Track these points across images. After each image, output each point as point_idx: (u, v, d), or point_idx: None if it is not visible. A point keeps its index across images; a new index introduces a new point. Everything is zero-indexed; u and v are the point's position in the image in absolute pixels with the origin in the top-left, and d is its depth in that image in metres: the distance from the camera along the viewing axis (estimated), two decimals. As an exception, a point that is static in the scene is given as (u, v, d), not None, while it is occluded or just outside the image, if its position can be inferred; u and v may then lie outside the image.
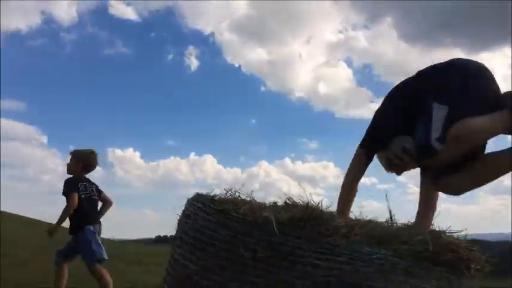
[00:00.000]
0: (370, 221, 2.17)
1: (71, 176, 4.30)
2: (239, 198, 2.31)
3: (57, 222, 4.10)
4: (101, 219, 4.44)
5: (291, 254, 1.97)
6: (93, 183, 4.35)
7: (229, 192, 2.37)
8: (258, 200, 2.37)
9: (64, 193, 4.18)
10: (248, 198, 2.32)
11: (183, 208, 2.51)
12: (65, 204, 4.10)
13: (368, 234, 2.01)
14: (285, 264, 1.97)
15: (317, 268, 1.95)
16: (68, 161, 4.37)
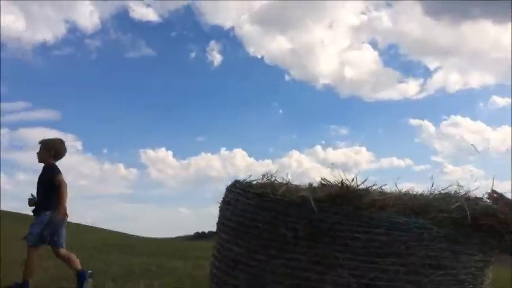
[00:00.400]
0: (405, 194, 2.21)
1: (43, 163, 4.38)
2: (276, 182, 2.39)
3: (63, 205, 4.21)
4: None
5: (330, 230, 2.04)
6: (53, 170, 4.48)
7: (266, 176, 2.45)
8: (293, 183, 2.44)
9: (50, 178, 4.27)
10: (284, 182, 2.40)
11: (222, 196, 2.61)
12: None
13: (405, 205, 2.06)
14: (326, 240, 2.05)
15: (357, 241, 2.01)
16: (38, 150, 4.42)
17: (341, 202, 2.05)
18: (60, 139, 4.54)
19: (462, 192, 2.28)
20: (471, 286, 2.13)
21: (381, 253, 2.00)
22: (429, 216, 2.04)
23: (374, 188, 2.12)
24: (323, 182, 2.46)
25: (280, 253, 2.14)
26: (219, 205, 2.66)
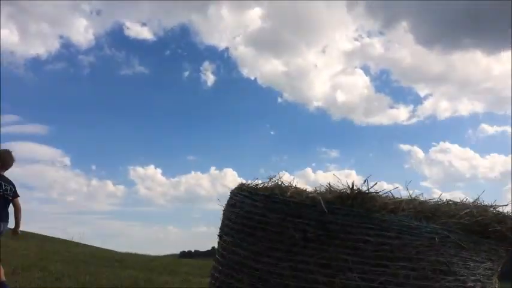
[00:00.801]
0: (415, 199, 2.20)
1: None
2: (282, 184, 2.37)
3: None
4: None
5: (340, 232, 2.01)
6: (11, 183, 4.56)
7: (272, 179, 2.43)
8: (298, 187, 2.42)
9: None
10: (291, 184, 2.38)
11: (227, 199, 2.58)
12: None
13: (415, 209, 2.05)
14: (336, 242, 2.02)
15: (368, 244, 1.99)
16: None
17: (351, 204, 2.03)
18: (7, 150, 4.64)
19: (471, 200, 2.28)
20: (479, 294, 2.10)
21: (391, 257, 1.98)
22: (440, 221, 2.03)
23: (384, 191, 2.11)
24: (329, 186, 2.46)
25: (287, 255, 2.10)
26: (222, 208, 2.62)
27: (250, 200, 2.30)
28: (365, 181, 2.06)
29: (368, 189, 2.06)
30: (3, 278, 4.18)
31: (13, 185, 4.51)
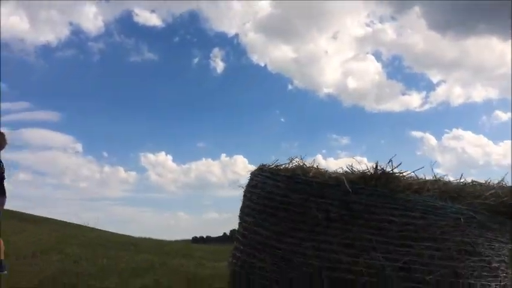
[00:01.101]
0: (439, 179, 2.18)
1: None
2: (304, 165, 2.36)
3: None
4: None
5: (364, 212, 2.01)
6: (1, 162, 4.67)
7: (294, 160, 2.42)
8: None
9: None
10: (312, 165, 2.38)
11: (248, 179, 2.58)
12: None
13: (440, 190, 2.04)
14: (360, 222, 2.01)
15: (392, 224, 1.98)
16: None
17: (375, 184, 2.02)
18: (1, 132, 4.77)
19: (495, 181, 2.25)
20: (504, 274, 2.09)
21: (416, 237, 1.97)
22: (465, 201, 2.01)
23: (408, 172, 2.09)
24: (351, 168, 2.45)
25: (310, 235, 2.10)
26: (243, 190, 2.63)
27: (272, 180, 2.29)
28: (389, 162, 2.04)
29: (392, 170, 2.04)
30: (2, 257, 4.32)
31: (3, 163, 4.72)
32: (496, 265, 2.06)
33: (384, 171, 2.03)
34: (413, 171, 2.15)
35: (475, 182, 2.25)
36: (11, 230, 8.51)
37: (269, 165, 2.46)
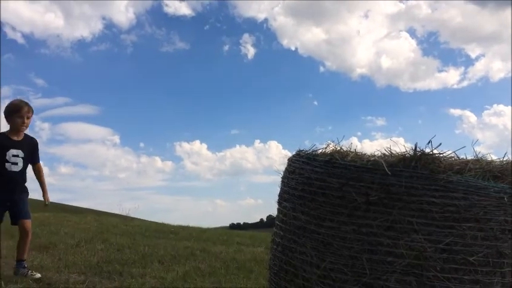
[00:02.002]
0: (481, 159, 2.14)
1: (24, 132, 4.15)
2: (341, 149, 2.36)
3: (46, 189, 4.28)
4: None
5: (404, 194, 2.00)
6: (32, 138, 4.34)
7: (330, 145, 2.43)
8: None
9: (38, 159, 4.23)
10: (350, 149, 2.37)
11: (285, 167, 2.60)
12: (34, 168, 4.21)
13: (483, 169, 2.00)
14: (399, 204, 2.01)
15: (432, 205, 1.97)
16: (30, 114, 4.08)
17: (415, 166, 2.00)
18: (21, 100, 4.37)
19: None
20: (550, 254, 2.05)
21: (458, 218, 1.95)
22: (508, 180, 1.97)
23: (448, 152, 2.07)
24: (388, 151, 2.43)
25: (350, 219, 2.11)
26: (280, 176, 2.66)
27: (310, 166, 2.31)
28: (429, 142, 2.02)
29: (432, 151, 2.02)
30: (25, 256, 4.12)
31: None
32: (542, 244, 2.01)
33: (423, 152, 2.01)
34: (454, 151, 2.11)
35: (518, 160, 2.20)
36: (56, 221, 8.88)
37: (306, 151, 2.47)
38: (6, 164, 3.94)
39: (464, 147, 2.08)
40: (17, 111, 3.99)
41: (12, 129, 4.05)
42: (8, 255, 4.52)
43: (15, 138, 4.04)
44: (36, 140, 4.25)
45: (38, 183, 4.26)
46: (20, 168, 4.02)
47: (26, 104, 4.04)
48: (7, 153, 3.94)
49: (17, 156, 4.01)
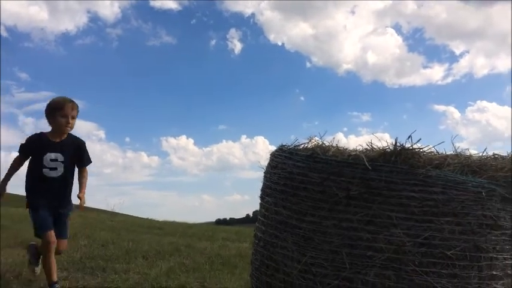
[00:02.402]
0: (460, 154, 2.17)
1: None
2: (323, 144, 2.37)
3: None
4: None
5: (384, 188, 2.01)
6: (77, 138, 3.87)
7: (312, 140, 2.43)
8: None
9: (89, 160, 3.75)
10: (332, 144, 2.38)
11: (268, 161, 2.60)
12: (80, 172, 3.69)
13: (461, 164, 2.02)
14: (379, 199, 2.02)
15: (412, 200, 1.98)
16: (74, 113, 3.61)
17: (395, 161, 2.02)
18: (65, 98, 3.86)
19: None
20: (527, 248, 2.08)
21: (436, 212, 1.97)
22: (486, 175, 2.00)
23: (428, 147, 2.08)
24: (370, 145, 2.45)
25: (331, 214, 2.12)
26: (263, 171, 2.66)
27: (292, 160, 2.31)
28: (409, 137, 2.04)
29: (412, 146, 2.04)
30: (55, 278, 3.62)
31: None
32: (519, 238, 2.05)
33: (403, 147, 2.03)
34: (434, 146, 2.13)
35: (497, 154, 2.23)
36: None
37: (288, 146, 2.47)
38: (43, 169, 3.52)
39: (444, 142, 2.09)
40: (59, 109, 3.54)
41: (54, 131, 3.61)
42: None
43: (55, 140, 3.60)
44: (82, 141, 3.77)
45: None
46: (59, 174, 3.55)
47: (71, 101, 3.62)
48: (44, 157, 3.52)
49: (56, 160, 3.56)
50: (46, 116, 3.59)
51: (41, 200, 3.49)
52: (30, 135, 3.63)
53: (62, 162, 3.57)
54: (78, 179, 3.73)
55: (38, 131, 3.59)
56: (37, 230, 3.50)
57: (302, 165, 2.24)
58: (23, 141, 3.62)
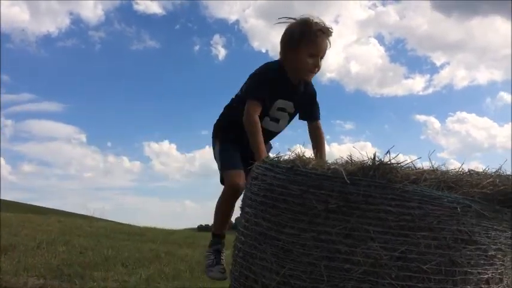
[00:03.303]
0: (437, 169, 2.21)
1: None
2: (304, 157, 2.39)
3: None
4: None
5: (362, 202, 2.04)
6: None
7: (293, 152, 2.45)
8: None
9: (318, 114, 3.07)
10: (312, 156, 2.40)
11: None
12: None
13: (437, 179, 2.06)
14: (357, 213, 2.05)
15: (389, 214, 2.01)
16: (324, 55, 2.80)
17: (373, 175, 2.04)
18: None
19: (493, 170, 2.27)
20: (500, 262, 2.13)
21: (413, 227, 2.00)
22: (462, 190, 2.04)
23: (406, 162, 2.12)
24: (350, 158, 2.48)
25: (310, 226, 2.14)
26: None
27: (272, 172, 2.32)
28: (387, 152, 2.07)
29: (390, 160, 2.07)
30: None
31: None
32: (493, 253, 2.09)
33: (381, 162, 2.06)
34: (412, 162, 2.17)
35: (472, 171, 2.27)
36: (16, 222, 8.63)
37: (269, 157, 2.48)
38: (264, 118, 2.83)
39: (420, 158, 2.13)
40: (310, 43, 2.67)
41: (290, 71, 2.78)
42: None
43: (294, 82, 2.84)
44: (314, 90, 2.97)
45: (313, 151, 2.98)
46: (279, 129, 2.99)
47: (328, 31, 2.67)
48: (274, 103, 2.82)
49: (283, 110, 2.89)
50: (283, 45, 2.77)
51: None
52: (266, 66, 2.79)
53: (288, 114, 2.94)
54: (315, 142, 3.04)
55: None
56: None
57: (282, 177, 2.26)
58: (256, 79, 2.77)
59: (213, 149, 3.13)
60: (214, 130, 3.15)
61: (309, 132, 3.02)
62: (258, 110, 2.65)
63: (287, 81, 2.79)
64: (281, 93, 2.79)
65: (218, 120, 3.15)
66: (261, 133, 2.62)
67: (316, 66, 2.67)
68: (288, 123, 3.00)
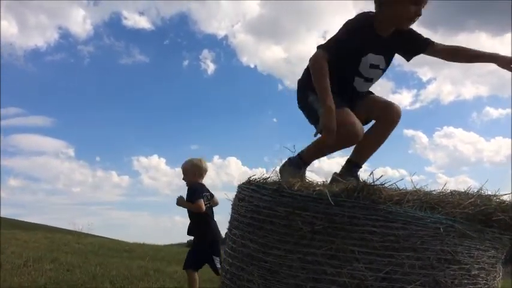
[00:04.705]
0: (420, 190, 2.24)
1: None
2: (290, 178, 2.41)
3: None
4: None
5: (347, 224, 2.07)
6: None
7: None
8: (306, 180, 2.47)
9: None
10: (298, 178, 2.43)
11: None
12: None
13: (420, 200, 2.10)
14: (342, 234, 2.07)
15: (374, 234, 2.04)
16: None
17: (358, 196, 2.07)
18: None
19: (475, 190, 2.32)
20: (484, 281, 2.16)
21: (397, 247, 2.03)
22: (444, 211, 2.08)
23: (389, 183, 2.16)
24: (336, 177, 2.52)
25: (296, 247, 2.16)
26: (231, 203, 2.68)
27: (259, 194, 2.35)
28: (371, 173, 2.11)
29: (374, 182, 2.10)
30: None
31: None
32: (476, 272, 2.12)
33: (365, 183, 2.09)
34: (395, 182, 2.20)
35: (455, 191, 2.32)
36: (3, 239, 8.52)
37: (256, 179, 2.51)
38: (356, 79, 2.58)
39: (402, 179, 2.17)
40: None
41: (386, 21, 2.50)
42: None
43: (383, 35, 2.53)
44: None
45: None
46: (368, 87, 2.69)
47: None
48: (362, 59, 2.52)
49: (377, 67, 2.58)
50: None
51: None
52: (361, 13, 2.50)
53: (381, 70, 2.61)
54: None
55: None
56: None
57: (268, 198, 2.28)
58: (344, 29, 2.50)
59: (303, 101, 2.83)
60: (302, 82, 2.81)
61: (446, 57, 2.77)
62: (326, 60, 2.42)
63: (378, 32, 2.53)
64: (372, 46, 2.51)
65: (306, 72, 2.76)
66: (327, 78, 2.37)
67: (418, 14, 2.44)
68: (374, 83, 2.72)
